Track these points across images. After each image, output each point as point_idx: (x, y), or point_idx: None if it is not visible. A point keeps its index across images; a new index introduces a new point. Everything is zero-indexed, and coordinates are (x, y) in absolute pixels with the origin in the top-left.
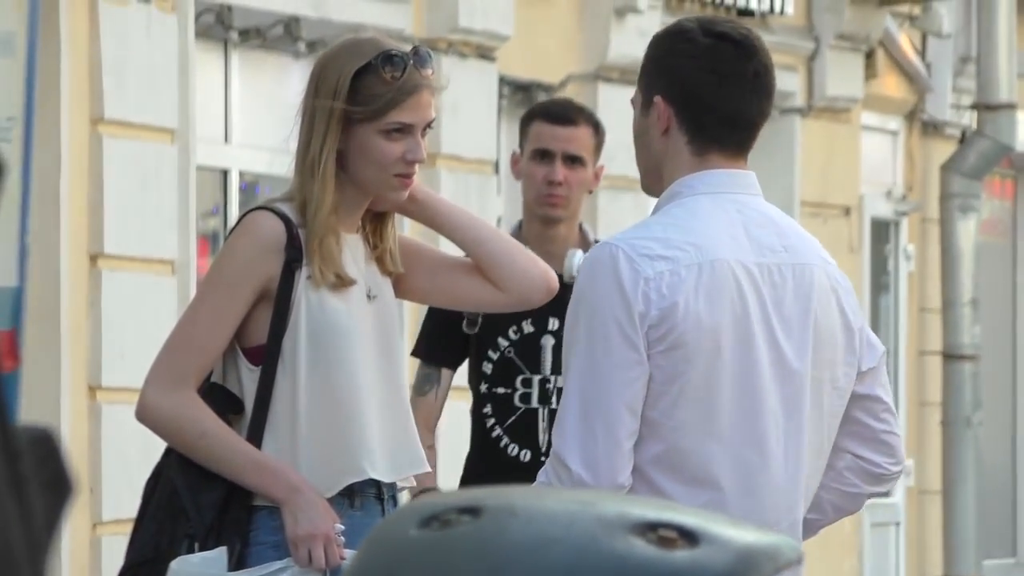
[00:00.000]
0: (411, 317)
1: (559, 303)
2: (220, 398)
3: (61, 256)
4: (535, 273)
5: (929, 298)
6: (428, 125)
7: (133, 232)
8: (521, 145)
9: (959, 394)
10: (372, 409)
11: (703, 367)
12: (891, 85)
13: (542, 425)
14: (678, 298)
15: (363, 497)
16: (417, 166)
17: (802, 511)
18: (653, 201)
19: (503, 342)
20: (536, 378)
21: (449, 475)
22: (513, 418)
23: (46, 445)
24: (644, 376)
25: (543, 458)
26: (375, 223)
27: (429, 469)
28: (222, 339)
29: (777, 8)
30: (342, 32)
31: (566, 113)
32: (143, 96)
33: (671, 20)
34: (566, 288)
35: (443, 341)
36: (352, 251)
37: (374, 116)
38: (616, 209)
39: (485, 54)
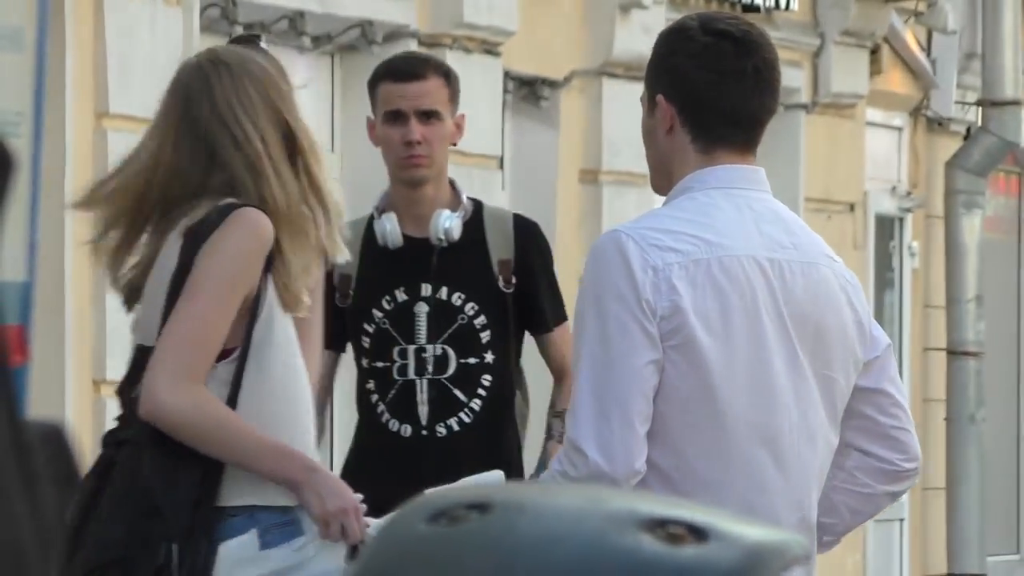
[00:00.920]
0: None
1: (432, 268)
2: None
3: (65, 250)
4: None
5: (933, 295)
6: None
7: None
8: (373, 110)
9: (963, 391)
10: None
11: (712, 362)
12: (896, 81)
13: (420, 397)
14: (687, 292)
15: None
16: None
17: (814, 509)
18: (657, 196)
19: (378, 313)
20: (411, 348)
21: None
22: (393, 392)
23: (56, 441)
24: (656, 362)
25: (424, 432)
26: None
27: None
28: (224, 337)
29: (782, 4)
30: (347, 27)
31: (412, 68)
32: (148, 91)
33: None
34: (437, 251)
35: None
36: None
37: None
38: (621, 204)
39: (490, 49)
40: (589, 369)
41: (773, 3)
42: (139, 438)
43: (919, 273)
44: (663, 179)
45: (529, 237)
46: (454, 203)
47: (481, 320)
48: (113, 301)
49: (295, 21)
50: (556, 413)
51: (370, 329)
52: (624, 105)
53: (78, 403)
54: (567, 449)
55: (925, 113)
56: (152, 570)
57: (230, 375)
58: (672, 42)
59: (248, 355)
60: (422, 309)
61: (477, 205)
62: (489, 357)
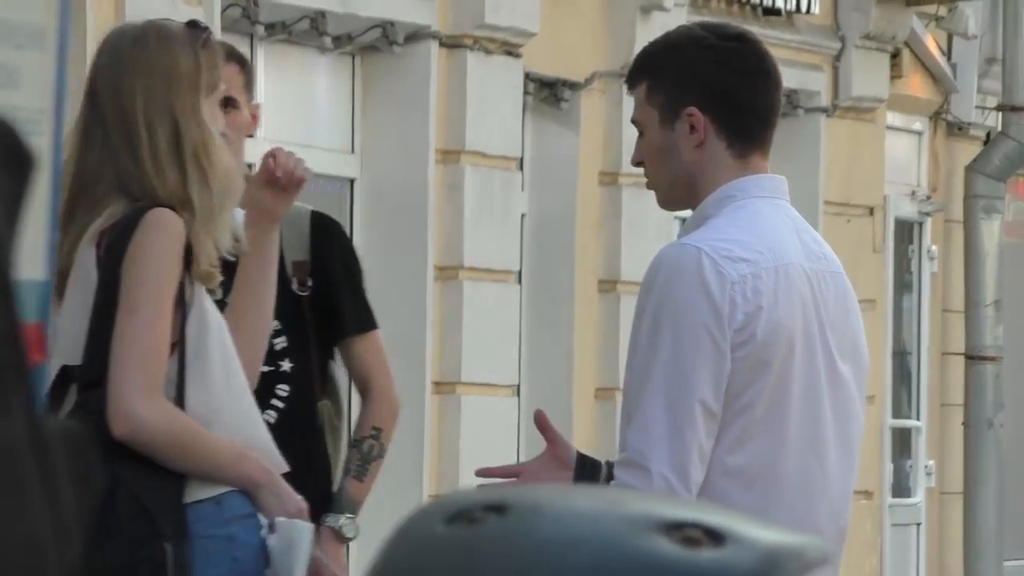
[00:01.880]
0: None
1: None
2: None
3: None
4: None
5: (952, 299)
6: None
7: None
8: None
9: (981, 395)
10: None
11: (777, 372)
12: (916, 85)
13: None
14: (761, 302)
15: None
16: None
17: (847, 519)
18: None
19: None
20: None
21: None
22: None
23: (76, 439)
24: (727, 373)
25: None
26: None
27: None
28: (169, 342)
29: (803, 7)
30: (368, 27)
31: None
32: None
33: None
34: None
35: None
36: None
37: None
38: (640, 207)
39: (511, 51)
40: (663, 386)
41: (794, 6)
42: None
43: (938, 277)
44: (685, 193)
45: (328, 236)
46: None
47: (274, 325)
48: None
49: (316, 21)
50: (358, 440)
51: None
52: None
53: None
54: (630, 466)
55: (945, 117)
56: (151, 573)
57: (173, 372)
58: (693, 52)
59: (186, 348)
60: None
61: None
62: (286, 365)
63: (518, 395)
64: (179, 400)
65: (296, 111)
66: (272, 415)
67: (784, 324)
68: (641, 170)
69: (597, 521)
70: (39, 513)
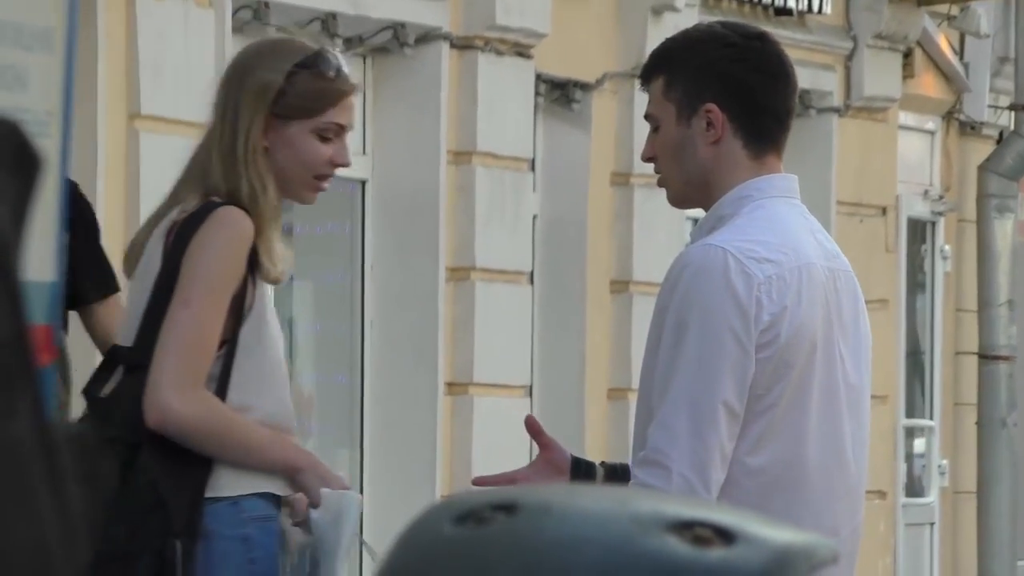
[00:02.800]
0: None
1: None
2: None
3: None
4: None
5: (965, 298)
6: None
7: None
8: None
9: (995, 395)
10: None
11: (799, 372)
12: (929, 85)
13: None
14: (786, 302)
15: None
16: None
17: (862, 517)
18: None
19: None
20: None
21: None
22: None
23: (83, 441)
24: (751, 375)
25: None
26: None
27: None
28: (218, 338)
29: (815, 7)
30: (379, 28)
31: None
32: (180, 92)
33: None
34: None
35: None
36: None
37: (309, 114)
38: (652, 207)
39: (522, 52)
40: (687, 387)
41: (806, 6)
42: (132, 437)
43: (951, 277)
44: (697, 191)
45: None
46: None
47: None
48: None
49: (327, 23)
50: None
51: None
52: None
53: None
54: (651, 466)
55: (958, 117)
56: (155, 566)
57: (218, 370)
58: (713, 50)
59: (236, 352)
60: None
61: None
62: None
63: (530, 396)
64: (220, 397)
65: None
66: None
67: (807, 324)
68: (653, 171)
69: (606, 520)
70: (46, 515)
